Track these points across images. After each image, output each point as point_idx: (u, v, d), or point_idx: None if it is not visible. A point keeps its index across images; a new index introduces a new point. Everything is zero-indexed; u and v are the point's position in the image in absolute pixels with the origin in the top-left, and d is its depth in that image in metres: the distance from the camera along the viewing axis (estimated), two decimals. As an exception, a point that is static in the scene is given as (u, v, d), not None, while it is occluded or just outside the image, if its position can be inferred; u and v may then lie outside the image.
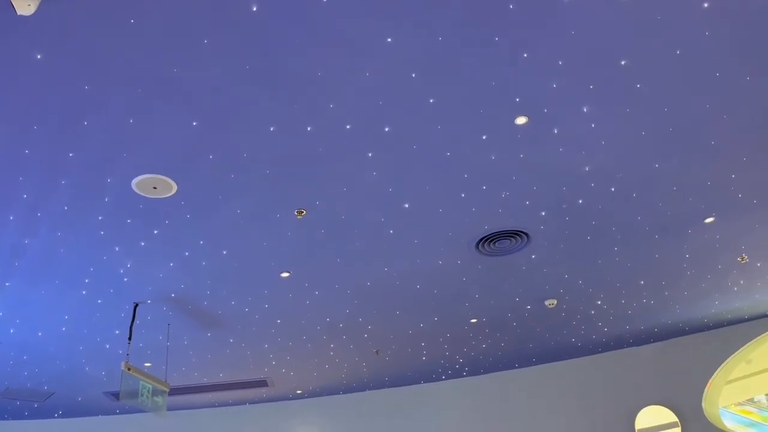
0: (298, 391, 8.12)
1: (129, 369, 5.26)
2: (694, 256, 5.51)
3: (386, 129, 3.70)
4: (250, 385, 7.68)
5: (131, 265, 4.81)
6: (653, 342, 7.50)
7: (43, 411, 7.91)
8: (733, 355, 7.12)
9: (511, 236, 4.96)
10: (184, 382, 7.23)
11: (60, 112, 3.32)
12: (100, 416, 8.22)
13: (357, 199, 4.32)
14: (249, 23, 2.94)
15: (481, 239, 4.97)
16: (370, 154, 3.90)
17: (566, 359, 7.82)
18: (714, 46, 3.33)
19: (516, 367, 7.96)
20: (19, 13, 2.54)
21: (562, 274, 5.68)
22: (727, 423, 7.64)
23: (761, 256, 5.61)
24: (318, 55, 3.15)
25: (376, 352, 7.00)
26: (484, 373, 8.02)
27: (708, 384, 7.14)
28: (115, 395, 7.13)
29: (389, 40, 3.11)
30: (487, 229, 4.85)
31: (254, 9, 2.87)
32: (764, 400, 10.11)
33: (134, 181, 3.88)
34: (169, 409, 6.67)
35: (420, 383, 8.20)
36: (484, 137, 3.84)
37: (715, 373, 7.15)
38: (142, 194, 4.01)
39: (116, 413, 8.16)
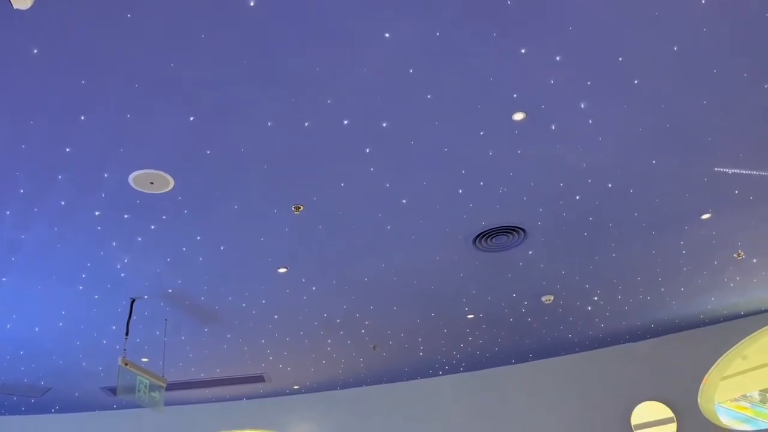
0: (296, 387, 8.13)
1: (126, 364, 5.26)
2: (690, 253, 5.52)
3: (384, 125, 3.70)
4: (248, 381, 7.68)
5: (128, 261, 4.81)
6: (649, 338, 7.53)
7: (40, 406, 7.91)
8: (728, 351, 7.17)
9: (508, 232, 4.97)
10: (181, 378, 7.23)
11: (57, 108, 3.31)
12: (97, 411, 8.22)
13: (354, 194, 4.32)
14: (246, 19, 2.93)
15: (479, 235, 4.98)
16: (367, 150, 3.90)
17: (563, 355, 7.84)
18: (712, 43, 3.33)
19: (513, 363, 7.98)
20: (15, 6, 2.52)
21: (559, 270, 5.69)
22: (723, 419, 7.69)
23: (757, 253, 5.62)
24: (316, 50, 3.15)
25: (374, 347, 7.01)
26: (480, 368, 8.04)
27: (704, 380, 7.19)
28: (112, 390, 7.12)
29: (387, 35, 3.10)
30: (485, 225, 4.86)
31: (252, 4, 2.86)
32: (756, 396, 10.17)
33: (131, 177, 3.88)
34: (167, 404, 6.68)
35: (417, 379, 8.22)
36: (481, 133, 3.84)
37: (711, 369, 7.19)
38: (139, 189, 4.00)
39: (113, 408, 8.16)
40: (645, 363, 7.49)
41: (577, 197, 4.58)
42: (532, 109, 3.67)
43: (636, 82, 3.54)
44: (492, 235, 4.99)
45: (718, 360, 7.18)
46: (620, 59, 3.37)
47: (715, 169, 4.36)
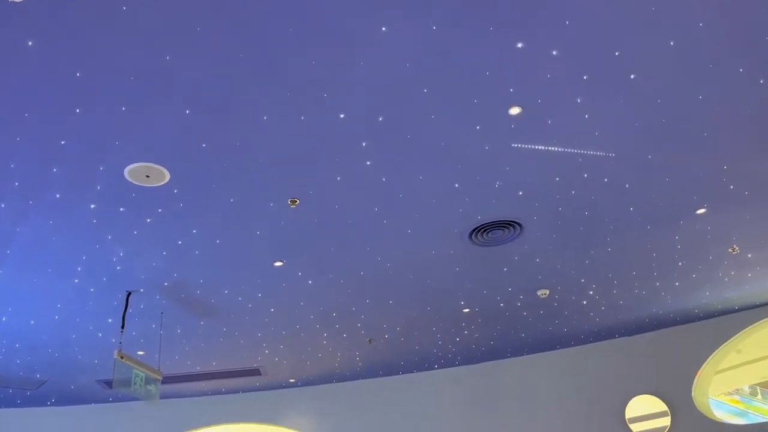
0: (291, 380, 8.14)
1: (122, 357, 5.26)
2: (685, 247, 5.54)
3: (380, 119, 3.69)
4: (244, 374, 7.69)
5: (124, 254, 4.80)
6: (644, 332, 7.55)
7: (35, 399, 7.91)
8: (723, 345, 7.20)
9: (504, 226, 4.98)
10: (177, 371, 7.23)
11: (52, 100, 3.30)
12: (93, 404, 8.22)
13: (350, 188, 4.32)
14: (243, 13, 2.92)
15: (475, 229, 4.98)
16: (363, 144, 3.89)
17: (558, 349, 7.87)
18: (708, 39, 3.34)
19: (508, 357, 8.00)
20: (9, -1, 2.51)
21: (555, 265, 5.70)
22: (716, 412, 7.74)
23: (752, 247, 5.65)
24: (312, 44, 3.14)
25: (369, 341, 7.02)
26: (476, 362, 8.06)
27: (698, 373, 7.23)
28: (108, 383, 7.12)
29: (384, 29, 3.10)
30: (480, 219, 4.86)
31: (248, -3, 2.85)
32: (747, 389, 10.25)
33: (127, 170, 3.87)
34: (162, 397, 6.69)
35: (413, 372, 8.24)
36: (477, 128, 3.83)
37: (705, 363, 7.23)
38: (135, 183, 3.99)
39: (109, 401, 8.17)
40: (640, 357, 7.52)
41: (573, 192, 4.59)
42: (528, 103, 3.67)
43: (632, 77, 3.54)
44: (488, 230, 5.00)
45: (713, 354, 7.22)
46: (617, 54, 3.37)
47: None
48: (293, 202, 4.38)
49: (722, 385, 10.19)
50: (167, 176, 3.97)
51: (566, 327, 7.20)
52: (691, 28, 3.26)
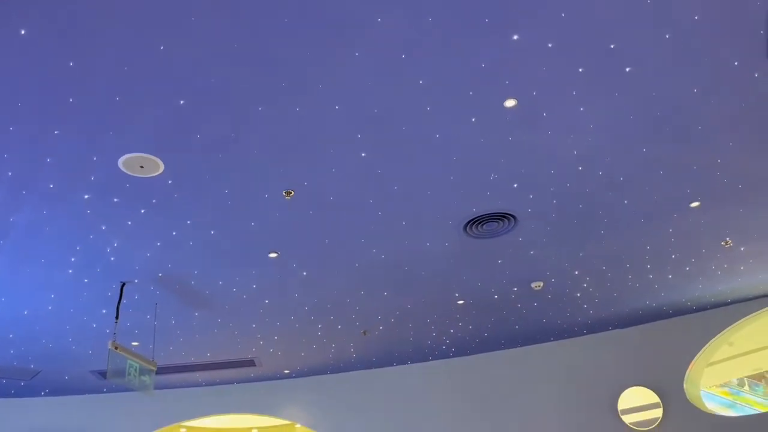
0: (286, 371, 8.16)
1: (116, 348, 5.27)
2: (678, 240, 5.56)
3: (375, 110, 3.69)
4: (238, 365, 7.70)
5: (118, 245, 4.79)
6: (638, 324, 7.59)
7: (29, 389, 7.91)
8: (715, 338, 7.25)
9: (499, 219, 4.98)
10: (171, 362, 7.24)
11: (45, 89, 3.28)
12: (87, 395, 8.23)
13: (346, 180, 4.31)
14: (237, 1, 2.90)
15: (469, 221, 4.99)
16: (359, 135, 3.89)
17: (552, 341, 7.90)
18: (703, 31, 3.34)
19: (502, 348, 8.03)
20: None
21: (549, 257, 5.72)
22: (708, 404, 7.80)
23: (745, 241, 5.67)
24: (307, 34, 3.13)
25: (364, 332, 7.04)
26: (470, 353, 8.10)
27: (690, 365, 7.27)
28: (102, 374, 7.13)
29: (379, 20, 3.09)
30: (475, 211, 4.87)
31: (242, -14, 2.84)
32: (735, 381, 10.34)
33: (121, 160, 3.85)
34: (157, 388, 6.71)
35: (407, 363, 8.27)
36: (473, 119, 3.83)
37: (698, 355, 7.28)
38: (129, 173, 3.98)
39: (103, 392, 8.18)
40: (632, 349, 7.56)
41: (568, 185, 4.60)
42: (523, 96, 3.67)
43: (628, 70, 3.54)
44: (482, 222, 5.01)
45: (705, 346, 7.27)
46: (612, 47, 3.37)
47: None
48: (288, 193, 4.37)
49: (714, 377, 10.28)
50: (161, 167, 3.96)
51: (560, 319, 7.23)
52: (687, 21, 3.26)
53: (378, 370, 8.32)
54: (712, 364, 8.69)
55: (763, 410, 10.35)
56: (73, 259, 4.91)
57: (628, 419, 7.31)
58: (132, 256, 4.98)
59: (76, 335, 6.32)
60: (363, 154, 4.06)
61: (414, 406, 8.07)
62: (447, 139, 4.00)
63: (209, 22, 2.99)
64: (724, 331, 7.25)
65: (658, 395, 7.28)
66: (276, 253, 5.17)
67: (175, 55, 3.15)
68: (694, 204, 5.01)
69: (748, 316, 7.16)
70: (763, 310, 7.08)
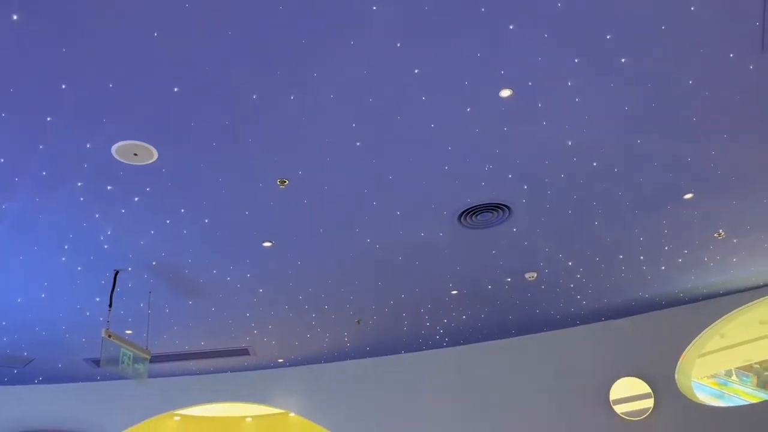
0: (280, 360, 8.18)
1: (109, 336, 5.26)
2: (672, 232, 5.58)
3: (370, 100, 3.67)
4: (232, 354, 7.72)
5: (111, 233, 4.78)
6: (630, 315, 7.63)
7: (22, 377, 7.90)
8: (706, 329, 7.30)
9: (493, 209, 4.99)
10: (165, 350, 7.24)
11: (37, 75, 3.25)
12: (80, 383, 8.23)
13: (340, 169, 4.31)
14: (232, -12, 2.88)
15: (464, 212, 4.99)
16: (353, 125, 3.87)
17: (545, 331, 7.94)
18: (699, 22, 3.33)
19: (495, 339, 8.07)
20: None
21: (543, 248, 5.74)
22: (699, 395, 7.86)
23: (737, 233, 5.70)
24: (302, 22, 3.11)
25: (357, 322, 7.05)
26: (464, 343, 8.13)
27: (681, 356, 7.33)
28: (96, 362, 7.13)
29: (374, 8, 3.07)
30: (470, 201, 4.87)
31: (237, -27, 2.81)
32: (722, 372, 10.44)
33: (114, 147, 3.83)
34: (151, 376, 6.70)
35: (401, 353, 8.30)
36: (468, 109, 3.82)
37: (689, 346, 7.33)
38: (123, 161, 3.96)
39: (97, 380, 8.18)
40: (625, 340, 7.61)
41: (562, 175, 4.60)
42: (519, 86, 3.66)
43: (623, 60, 3.54)
44: (477, 212, 5.01)
45: (696, 337, 7.32)
46: (608, 37, 3.36)
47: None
48: (282, 182, 4.36)
49: (705, 368, 10.37)
50: (155, 155, 3.94)
51: (553, 309, 7.26)
52: (682, 12, 3.26)
53: (372, 360, 8.35)
54: (703, 355, 8.76)
55: (752, 400, 10.47)
56: (66, 247, 4.89)
57: (619, 409, 7.36)
58: (125, 244, 4.97)
59: (70, 323, 6.31)
60: (358, 144, 4.05)
61: (407, 395, 8.12)
62: (442, 129, 3.99)
63: (203, 9, 2.97)
64: (716, 322, 7.30)
65: (649, 386, 7.34)
66: (270, 242, 5.17)
67: (170, 43, 3.13)
68: (688, 196, 5.02)
69: (739, 308, 7.21)
70: (754, 301, 7.13)
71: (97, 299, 5.75)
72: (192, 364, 8.00)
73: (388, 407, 8.09)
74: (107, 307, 5.44)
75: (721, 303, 7.25)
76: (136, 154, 3.90)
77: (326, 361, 8.37)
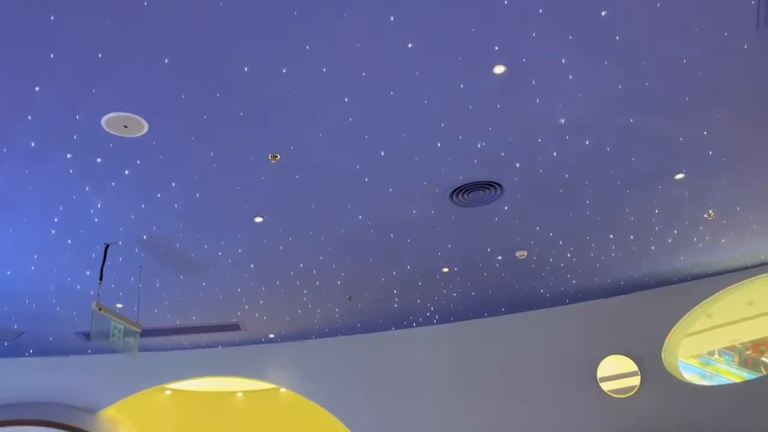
0: (271, 336, 8.22)
1: (100, 309, 5.26)
2: (662, 212, 5.61)
3: (363, 74, 3.64)
4: (223, 329, 7.74)
5: (102, 206, 4.75)
6: (619, 294, 7.69)
7: (13, 349, 7.91)
8: (693, 309, 7.38)
9: (485, 187, 4.99)
10: (156, 324, 7.25)
11: (24, 44, 3.20)
12: (71, 356, 8.25)
13: (332, 144, 4.29)
14: (223, -43, 2.84)
15: (456, 189, 4.99)
16: (346, 99, 3.85)
17: (535, 309, 8.00)
18: (694, 1, 3.31)
19: (485, 316, 8.12)
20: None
21: (534, 226, 5.75)
22: (685, 374, 7.97)
23: (727, 213, 5.73)
24: (294, -7, 3.06)
25: (349, 298, 7.08)
26: (454, 321, 8.18)
27: (668, 335, 7.41)
28: (87, 335, 7.13)
29: (368, -20, 3.03)
30: (462, 179, 4.86)
31: (228, -59, 2.77)
32: (706, 352, 10.60)
33: (104, 119, 3.79)
34: (142, 350, 6.73)
35: (391, 330, 8.35)
36: (461, 86, 3.80)
37: (676, 326, 7.41)
38: (112, 132, 3.92)
39: (88, 353, 8.20)
40: (613, 318, 7.68)
41: (555, 153, 4.60)
42: (513, 62, 3.64)
43: (617, 38, 3.52)
44: (469, 190, 5.01)
45: (684, 317, 7.39)
46: (603, 14, 3.34)
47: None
48: (274, 157, 4.34)
49: (692, 347, 10.51)
50: (146, 127, 3.90)
51: (543, 288, 7.31)
52: (679, -10, 3.23)
53: (362, 336, 8.40)
54: (690, 334, 8.87)
55: (734, 379, 10.65)
56: (56, 220, 4.87)
57: (606, 386, 7.46)
58: (116, 217, 4.95)
59: (60, 296, 6.31)
60: (350, 119, 4.03)
61: (398, 372, 8.19)
62: (435, 105, 3.97)
63: (194, -22, 2.92)
64: (703, 302, 7.38)
65: (636, 364, 7.42)
66: (262, 217, 5.16)
67: (160, 13, 3.08)
68: (679, 176, 5.03)
69: (727, 288, 7.28)
70: (742, 282, 7.20)
71: (88, 273, 5.73)
72: (183, 339, 8.03)
73: (379, 383, 8.17)
74: (98, 280, 5.44)
75: (709, 283, 7.32)
76: (126, 126, 3.87)
77: (317, 337, 8.42)
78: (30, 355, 8.18)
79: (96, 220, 4.93)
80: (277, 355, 8.46)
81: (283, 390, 9.56)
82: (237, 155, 4.31)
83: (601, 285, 7.35)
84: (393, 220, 5.43)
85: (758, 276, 7.13)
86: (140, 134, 3.96)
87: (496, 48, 3.52)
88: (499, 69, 3.68)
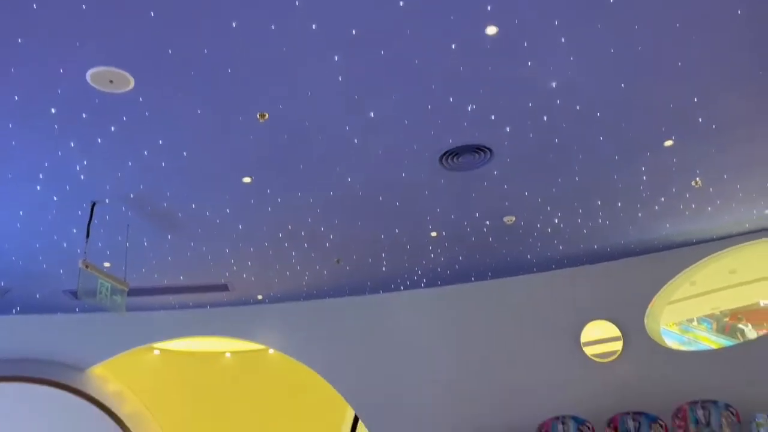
0: (259, 297, 8.25)
1: (87, 267, 5.25)
2: (650, 179, 5.63)
3: (353, 32, 3.59)
4: (211, 289, 7.76)
5: (87, 163, 4.70)
6: (605, 261, 7.77)
7: (0, 306, 7.90)
8: (677, 276, 7.47)
9: (475, 151, 4.98)
10: (144, 284, 7.25)
11: (6, -7, 3.12)
12: (59, 314, 8.25)
13: (321, 104, 4.24)
14: None
15: (445, 153, 4.98)
16: (336, 58, 3.79)
17: (521, 275, 8.07)
18: (690, -37, 3.27)
19: (472, 281, 8.19)
20: None
21: (522, 192, 5.77)
22: (667, 341, 8.12)
23: (714, 181, 5.76)
24: (284, -54, 2.99)
25: (337, 261, 7.11)
26: (441, 285, 8.25)
27: (651, 302, 7.52)
28: (74, 294, 7.13)
29: (360, -66, 2.96)
30: (452, 143, 4.85)
31: None
32: (685, 320, 10.81)
33: (89, 73, 3.72)
34: (129, 310, 6.74)
35: (379, 293, 8.41)
36: (453, 46, 3.76)
37: (660, 292, 7.52)
38: (98, 88, 3.85)
39: (76, 312, 8.21)
40: (598, 284, 7.77)
41: (545, 118, 4.58)
42: (505, 23, 3.59)
43: (611, 1, 3.47)
44: (458, 154, 5.00)
45: (667, 284, 7.49)
46: (598, -25, 3.30)
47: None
48: (262, 116, 4.29)
49: (675, 314, 10.70)
50: (132, 82, 3.83)
51: (530, 253, 7.36)
52: (675, -48, 3.19)
53: (350, 299, 8.46)
54: (673, 302, 9.01)
55: (711, 345, 10.88)
56: (41, 176, 4.81)
57: (589, 351, 7.59)
58: (102, 175, 4.90)
59: (47, 254, 6.28)
60: (340, 78, 3.98)
61: (384, 334, 8.27)
62: (426, 66, 3.93)
63: (180, -73, 2.84)
64: (687, 269, 7.47)
65: (619, 329, 7.54)
66: (250, 177, 5.13)
67: (145, -38, 3.01)
68: (668, 143, 5.04)
69: (710, 256, 7.36)
70: (726, 250, 7.28)
71: (74, 230, 5.69)
72: (171, 299, 8.05)
73: (366, 345, 8.26)
74: (84, 238, 5.40)
75: (693, 251, 7.39)
76: (111, 81, 3.80)
77: (305, 299, 8.46)
78: (17, 312, 8.17)
79: (82, 177, 4.88)
80: (266, 316, 8.50)
81: (271, 351, 9.65)
82: (225, 114, 4.26)
83: (588, 251, 7.41)
84: (382, 183, 5.43)
85: (742, 244, 7.21)
86: (126, 90, 3.90)
87: (489, 8, 3.47)
88: (491, 30, 3.63)
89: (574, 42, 3.80)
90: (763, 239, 7.13)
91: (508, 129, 4.70)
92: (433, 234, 6.60)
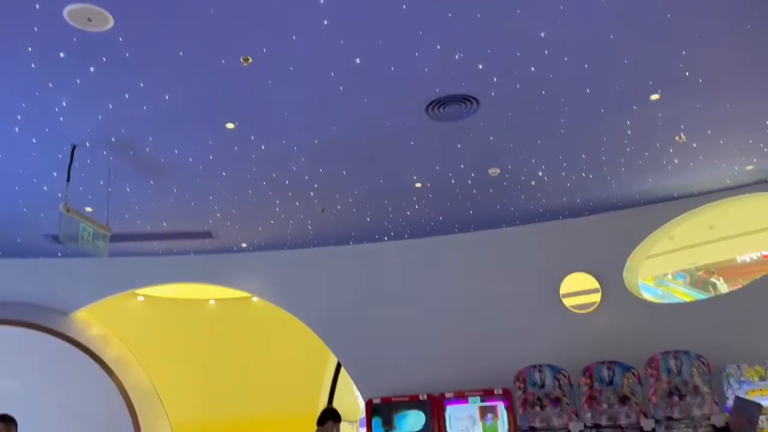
0: (243, 245, 8.26)
1: (68, 210, 5.20)
2: (635, 133, 5.64)
3: (340, -27, 3.50)
4: (195, 236, 7.75)
5: (67, 104, 4.60)
6: (587, 215, 7.85)
7: (-19, 251, 7.86)
8: (656, 230, 7.58)
9: (462, 101, 4.94)
10: (126, 229, 7.21)
11: None
12: (41, 258, 8.22)
13: (306, 49, 4.16)
14: None
15: (432, 102, 4.94)
16: (321, 1, 3.70)
17: (503, 227, 8.14)
18: None
19: (455, 233, 8.25)
20: None
21: (507, 144, 5.76)
22: (645, 294, 8.30)
23: (698, 137, 5.79)
24: None
25: (321, 210, 7.11)
26: (424, 236, 8.30)
27: (631, 255, 7.65)
28: (56, 238, 7.08)
29: None
30: (438, 92, 4.80)
31: None
32: (660, 275, 11.06)
33: (66, 11, 3.60)
34: (112, 255, 6.73)
35: (363, 243, 8.45)
36: (441, -9, 3.68)
37: (639, 246, 7.63)
38: (76, 26, 3.73)
39: (58, 256, 8.18)
40: (579, 237, 7.87)
41: (532, 69, 4.54)
42: (495, -32, 3.52)
43: (604, -53, 3.41)
44: (445, 104, 4.96)
45: (646, 238, 7.60)
46: None
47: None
48: (245, 59, 4.21)
49: (653, 268, 10.91)
50: (111, 21, 3.72)
51: (513, 206, 7.41)
52: None
53: (334, 248, 8.50)
54: (652, 256, 9.16)
55: (684, 298, 11.17)
56: (19, 117, 4.71)
57: (568, 302, 7.74)
58: (82, 117, 4.81)
59: (27, 197, 6.21)
60: (325, 22, 3.89)
61: (368, 284, 8.36)
62: (413, 12, 3.85)
63: None
64: (666, 224, 7.57)
65: (598, 281, 7.68)
66: (233, 123, 5.06)
67: None
68: (654, 96, 5.03)
69: (690, 211, 7.46)
70: (705, 205, 7.37)
71: (55, 174, 5.62)
72: (154, 245, 8.03)
73: (350, 294, 8.35)
74: (65, 182, 5.34)
75: (674, 206, 7.47)
76: (90, 20, 3.69)
77: (290, 248, 8.50)
78: (-1, 256, 8.14)
79: (61, 119, 4.79)
80: (250, 264, 8.53)
81: (255, 299, 9.73)
82: (207, 56, 4.17)
83: (570, 204, 7.48)
84: (367, 132, 5.39)
85: (721, 200, 7.29)
86: (105, 29, 3.79)
87: (479, -48, 3.39)
88: (480, -25, 3.56)
89: (564, -10, 3.73)
90: (743, 195, 7.22)
91: (495, 79, 4.66)
92: (418, 185, 6.60)
